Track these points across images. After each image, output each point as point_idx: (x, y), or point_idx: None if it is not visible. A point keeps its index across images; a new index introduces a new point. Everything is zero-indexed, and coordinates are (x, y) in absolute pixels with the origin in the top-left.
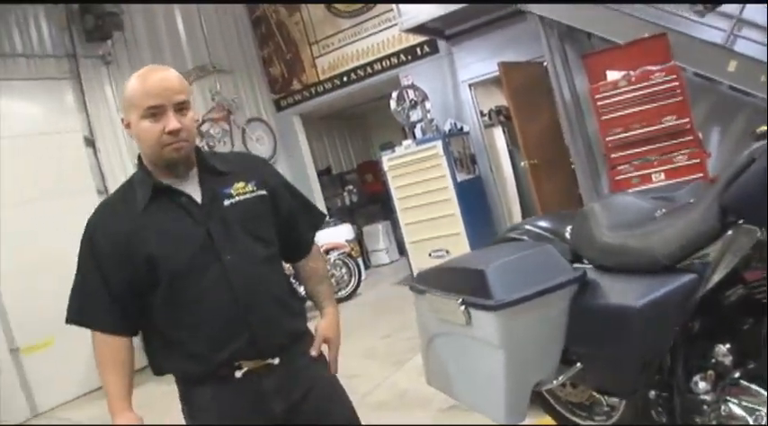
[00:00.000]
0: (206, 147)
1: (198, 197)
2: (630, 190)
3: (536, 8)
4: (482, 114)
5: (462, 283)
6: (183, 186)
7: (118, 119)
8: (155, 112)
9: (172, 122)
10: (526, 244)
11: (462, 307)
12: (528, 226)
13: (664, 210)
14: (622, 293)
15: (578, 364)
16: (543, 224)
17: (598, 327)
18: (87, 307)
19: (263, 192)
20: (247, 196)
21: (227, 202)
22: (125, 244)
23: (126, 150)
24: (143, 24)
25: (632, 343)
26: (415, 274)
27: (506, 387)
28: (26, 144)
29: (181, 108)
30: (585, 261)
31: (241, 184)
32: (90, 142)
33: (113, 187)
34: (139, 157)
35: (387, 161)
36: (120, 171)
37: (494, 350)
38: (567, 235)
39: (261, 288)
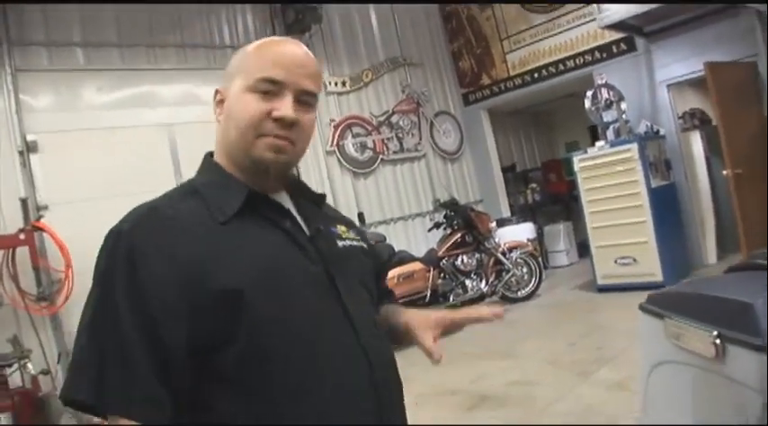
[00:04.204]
0: (395, 139)
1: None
2: None
3: (755, 1)
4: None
5: (718, 313)
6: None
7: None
8: (268, 89)
9: (286, 107)
10: None
11: (717, 341)
12: None
13: None
14: None
15: None
16: None
17: None
18: (117, 380)
19: (365, 245)
20: (355, 244)
21: (341, 244)
22: (200, 271)
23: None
24: (339, 18)
25: None
26: (601, 281)
27: None
28: None
29: (304, 101)
30: None
31: (344, 228)
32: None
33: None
34: (212, 154)
35: (578, 162)
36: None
37: (752, 394)
38: None
39: (394, 374)
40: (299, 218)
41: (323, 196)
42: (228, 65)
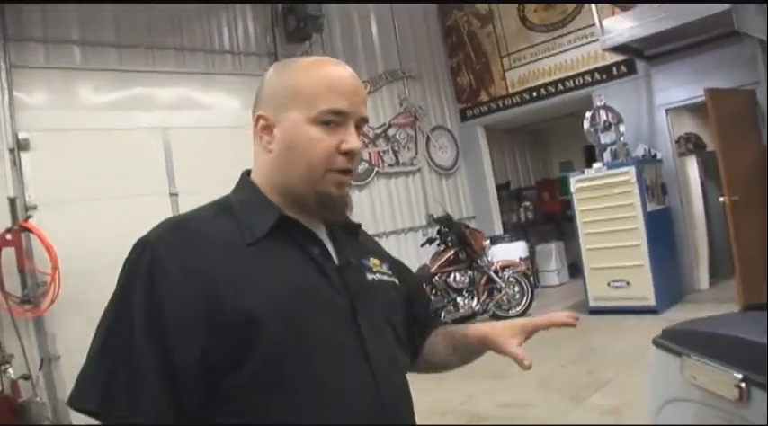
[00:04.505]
0: (391, 152)
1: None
2: None
3: (757, 30)
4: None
5: (740, 354)
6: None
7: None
8: (332, 121)
9: (354, 140)
10: None
11: (742, 384)
12: None
13: None
14: None
15: None
16: None
17: None
18: (124, 391)
19: (396, 281)
20: (385, 278)
21: (370, 277)
22: (220, 290)
23: None
24: (340, 28)
25: None
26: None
27: None
28: (228, 134)
29: (360, 127)
30: None
31: (376, 261)
32: None
33: None
34: (248, 173)
35: (575, 182)
36: None
37: None
38: None
39: (406, 410)
40: (330, 247)
41: (358, 225)
42: (271, 86)
